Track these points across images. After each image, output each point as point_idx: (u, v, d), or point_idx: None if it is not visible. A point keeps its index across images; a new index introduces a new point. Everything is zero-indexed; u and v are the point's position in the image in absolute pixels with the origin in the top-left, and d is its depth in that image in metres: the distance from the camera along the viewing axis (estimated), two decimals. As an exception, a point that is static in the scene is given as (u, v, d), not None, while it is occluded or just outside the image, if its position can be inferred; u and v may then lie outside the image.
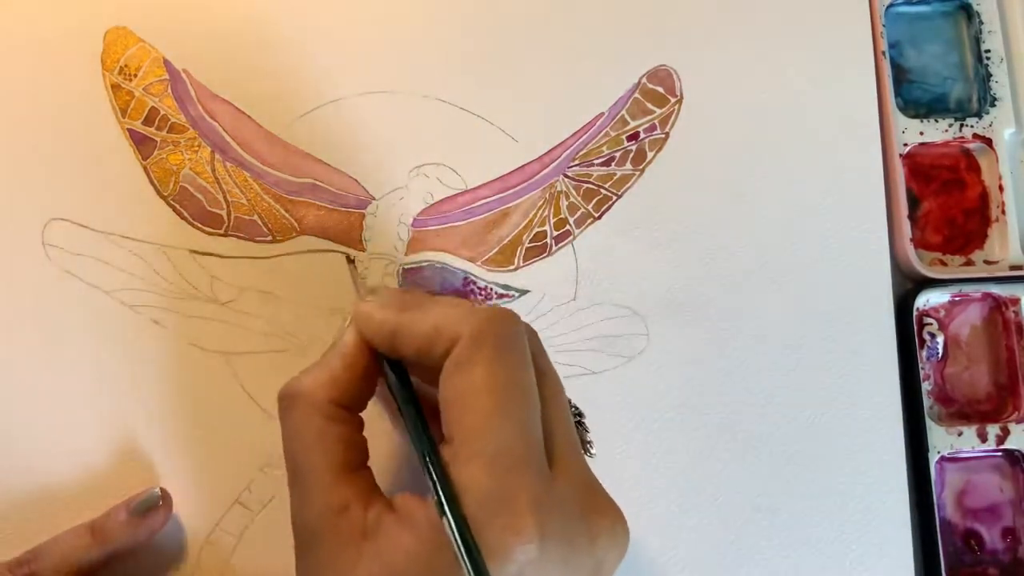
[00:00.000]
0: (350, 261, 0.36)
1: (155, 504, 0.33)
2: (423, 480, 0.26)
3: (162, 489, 0.34)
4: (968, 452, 0.39)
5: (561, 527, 0.25)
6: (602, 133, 0.39)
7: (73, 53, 0.37)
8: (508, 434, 0.25)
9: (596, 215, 0.38)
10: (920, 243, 0.40)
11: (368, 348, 0.29)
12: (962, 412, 0.40)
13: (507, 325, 0.27)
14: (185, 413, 0.35)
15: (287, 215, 0.37)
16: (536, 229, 0.38)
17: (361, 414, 0.29)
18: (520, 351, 0.27)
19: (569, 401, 0.32)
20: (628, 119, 0.39)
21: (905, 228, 0.39)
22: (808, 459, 0.37)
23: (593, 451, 0.36)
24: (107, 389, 0.35)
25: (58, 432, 0.34)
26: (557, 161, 0.38)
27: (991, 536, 0.39)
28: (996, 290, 0.40)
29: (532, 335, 0.29)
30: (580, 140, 0.39)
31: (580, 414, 0.36)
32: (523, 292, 0.37)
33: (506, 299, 0.37)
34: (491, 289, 0.37)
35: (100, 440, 0.35)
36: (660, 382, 0.37)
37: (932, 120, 0.41)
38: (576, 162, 0.39)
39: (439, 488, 0.25)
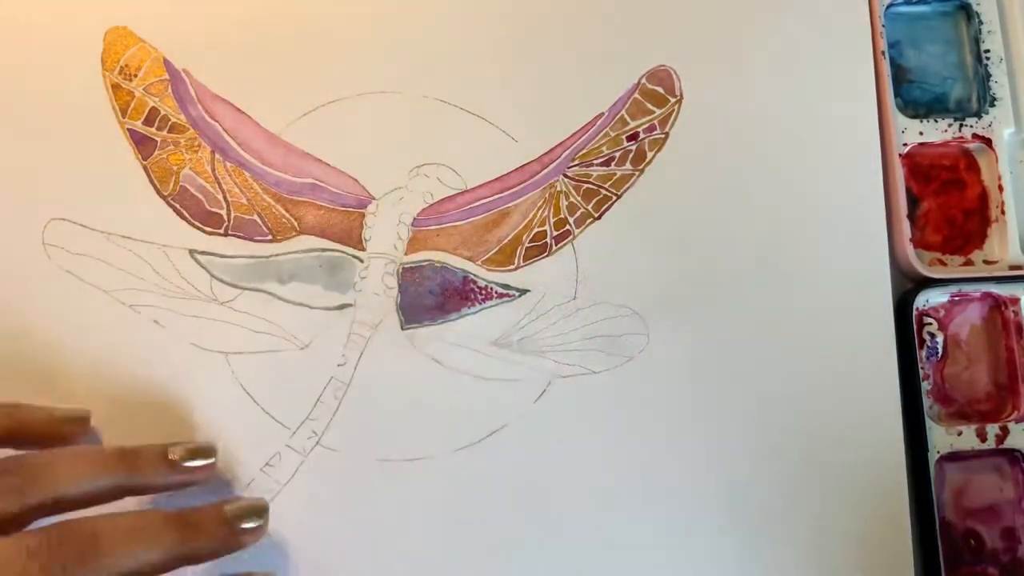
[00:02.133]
0: None
1: (204, 458, 0.32)
2: None
3: (213, 445, 0.33)
4: (968, 452, 0.39)
5: None
6: (602, 133, 0.39)
7: (73, 53, 0.37)
8: None
9: (596, 215, 0.38)
10: (920, 243, 0.40)
11: None
12: (962, 412, 0.40)
13: None
14: (185, 413, 0.35)
15: (287, 215, 0.37)
16: (536, 229, 0.38)
17: None
18: None
19: None
20: (628, 119, 0.39)
21: (904, 228, 0.39)
22: (808, 459, 0.37)
23: None
24: (107, 389, 0.35)
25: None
26: (557, 161, 0.38)
27: (991, 536, 0.39)
28: (996, 290, 0.40)
29: None
30: (580, 140, 0.39)
31: None
32: (523, 292, 0.37)
33: (506, 298, 0.37)
34: (491, 289, 0.37)
35: (100, 440, 0.35)
36: (660, 382, 0.37)
37: (932, 120, 0.41)
38: (576, 162, 0.39)
39: None
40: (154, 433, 0.35)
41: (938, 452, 0.38)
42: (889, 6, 0.41)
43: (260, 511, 0.32)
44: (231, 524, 0.31)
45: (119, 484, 0.30)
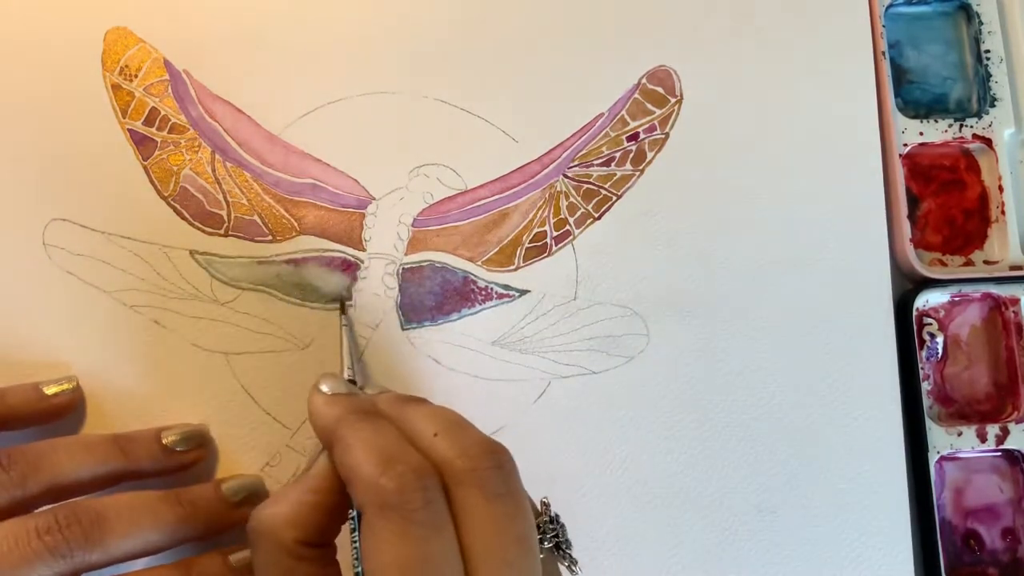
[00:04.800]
0: (343, 310, 0.31)
1: (196, 444, 0.33)
2: None
3: (205, 430, 0.34)
4: (968, 452, 0.39)
5: None
6: (602, 133, 0.39)
7: (73, 53, 0.37)
8: None
9: (596, 215, 0.38)
10: (920, 243, 0.40)
11: (340, 481, 0.26)
12: (962, 412, 0.40)
13: (413, 498, 0.24)
14: (186, 413, 0.35)
15: (287, 215, 0.37)
16: (536, 229, 0.38)
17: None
18: (431, 523, 0.24)
19: (546, 512, 0.28)
20: (628, 119, 0.39)
21: (905, 228, 0.39)
22: (808, 459, 0.37)
23: (577, 569, 0.29)
24: (108, 389, 0.35)
25: (58, 431, 0.34)
26: (557, 161, 0.38)
27: (991, 536, 0.39)
28: (996, 290, 0.40)
29: (496, 469, 0.25)
30: (580, 140, 0.39)
31: (555, 528, 0.29)
32: (523, 292, 0.37)
33: (506, 299, 0.37)
34: (491, 289, 0.37)
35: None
36: (660, 382, 0.37)
37: (932, 120, 0.41)
38: (576, 162, 0.39)
39: None
40: (154, 433, 0.35)
41: (938, 452, 0.38)
42: (889, 6, 0.41)
43: (257, 488, 0.33)
44: (229, 501, 0.32)
45: (116, 470, 0.31)
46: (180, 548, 0.31)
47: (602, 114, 0.39)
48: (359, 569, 0.25)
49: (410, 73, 0.38)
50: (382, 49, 0.38)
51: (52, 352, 0.35)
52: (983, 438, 0.39)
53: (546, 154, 0.38)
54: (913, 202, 0.41)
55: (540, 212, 0.38)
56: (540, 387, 0.37)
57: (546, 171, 0.38)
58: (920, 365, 0.39)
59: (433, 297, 0.37)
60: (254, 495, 0.33)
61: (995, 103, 0.41)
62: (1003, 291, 0.40)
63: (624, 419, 0.37)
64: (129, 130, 0.37)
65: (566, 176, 0.38)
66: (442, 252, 0.37)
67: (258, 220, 0.37)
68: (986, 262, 0.40)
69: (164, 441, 0.33)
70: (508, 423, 0.36)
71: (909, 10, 0.42)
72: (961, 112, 0.42)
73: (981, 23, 0.42)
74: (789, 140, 0.39)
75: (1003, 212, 0.40)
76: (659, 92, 0.39)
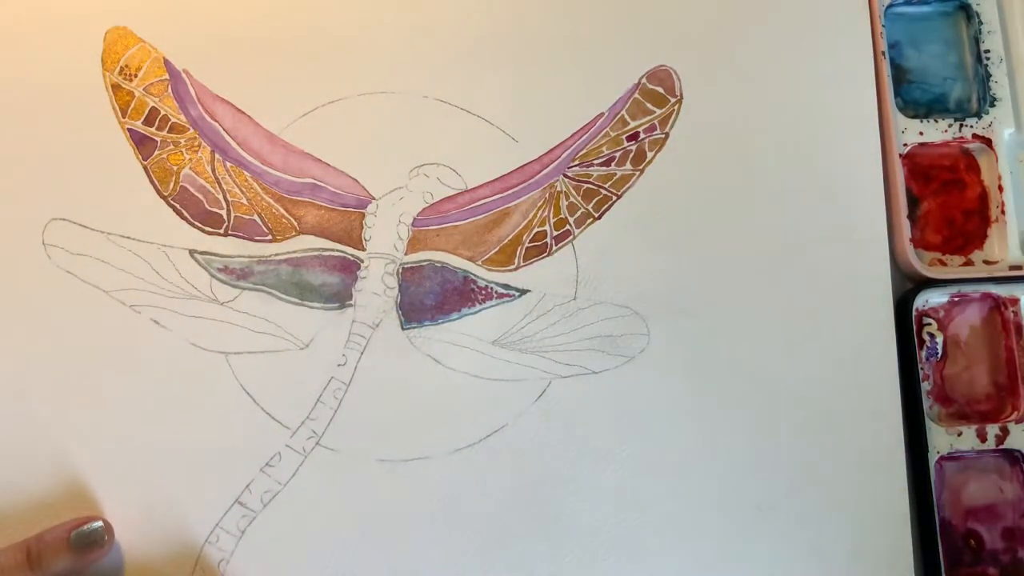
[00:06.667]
0: None
1: (98, 540, 0.33)
2: None
3: (105, 522, 0.33)
4: (968, 452, 0.39)
5: None
6: (602, 133, 0.39)
7: (73, 53, 0.37)
8: None
9: (596, 215, 0.38)
10: (919, 243, 0.41)
11: None
12: (961, 412, 0.40)
13: None
14: (185, 413, 0.35)
15: (287, 215, 0.37)
16: (536, 229, 0.38)
17: None
18: None
19: None
20: (628, 119, 0.39)
21: (905, 228, 0.39)
22: (808, 458, 0.37)
23: None
24: (107, 389, 0.35)
25: (59, 431, 0.34)
26: (557, 161, 0.38)
27: (991, 536, 0.39)
28: (995, 290, 0.40)
29: None
30: (580, 140, 0.39)
31: None
32: (523, 292, 0.37)
33: (506, 299, 0.37)
34: (491, 289, 0.37)
35: (100, 439, 0.35)
36: (660, 382, 0.37)
37: (932, 120, 0.41)
38: (576, 162, 0.39)
39: None
40: (154, 433, 0.35)
41: (938, 452, 0.38)
42: (889, 6, 0.41)
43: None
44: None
45: None
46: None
47: (602, 114, 0.39)
48: None
49: (410, 73, 0.38)
50: (382, 49, 0.38)
51: (51, 352, 0.35)
52: (983, 438, 0.39)
53: (546, 154, 0.38)
54: (913, 202, 0.41)
55: (540, 212, 0.38)
56: (540, 387, 0.37)
57: (546, 171, 0.38)
58: (920, 365, 0.39)
59: (433, 297, 0.37)
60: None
61: (995, 103, 0.41)
62: (1003, 291, 0.40)
63: (624, 419, 0.37)
64: (129, 130, 0.37)
65: (566, 176, 0.38)
66: (442, 252, 0.37)
67: (258, 220, 0.37)
68: (986, 262, 0.40)
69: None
70: (508, 423, 0.36)
71: (909, 10, 0.42)
72: (961, 112, 0.42)
73: (981, 23, 0.42)
74: (789, 140, 0.39)
75: (1003, 212, 0.40)
76: (659, 92, 0.39)
